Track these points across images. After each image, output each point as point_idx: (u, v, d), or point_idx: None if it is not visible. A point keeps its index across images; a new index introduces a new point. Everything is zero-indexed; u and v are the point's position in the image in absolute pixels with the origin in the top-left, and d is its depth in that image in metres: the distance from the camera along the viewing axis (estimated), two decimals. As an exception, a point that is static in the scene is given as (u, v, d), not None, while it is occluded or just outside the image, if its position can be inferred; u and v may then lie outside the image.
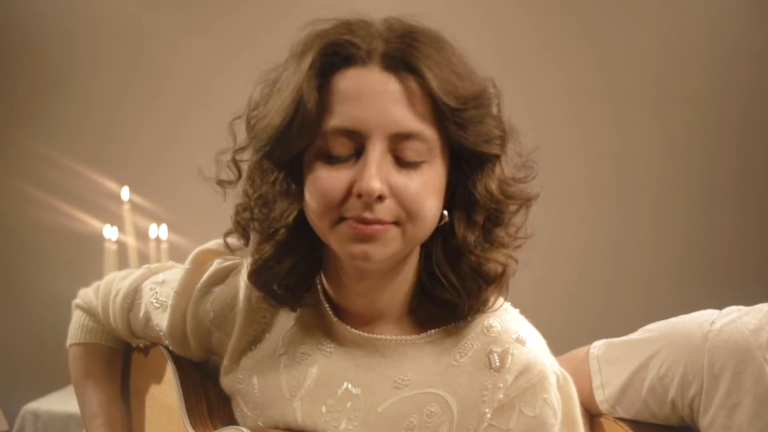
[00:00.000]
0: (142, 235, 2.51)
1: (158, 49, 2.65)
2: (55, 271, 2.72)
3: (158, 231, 2.49)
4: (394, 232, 0.86)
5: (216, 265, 1.06)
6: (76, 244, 2.69)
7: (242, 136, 0.93)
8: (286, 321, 1.01)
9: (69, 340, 1.21)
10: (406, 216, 0.86)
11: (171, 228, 2.52)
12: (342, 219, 0.86)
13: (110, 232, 2.47)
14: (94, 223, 2.64)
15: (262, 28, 2.52)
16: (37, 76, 2.72)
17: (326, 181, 0.86)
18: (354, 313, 0.96)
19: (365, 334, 0.95)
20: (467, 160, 0.89)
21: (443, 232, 0.91)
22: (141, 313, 1.12)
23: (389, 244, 0.86)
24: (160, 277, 1.13)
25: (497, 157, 0.90)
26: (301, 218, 0.91)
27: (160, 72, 2.65)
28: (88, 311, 1.20)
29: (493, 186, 0.89)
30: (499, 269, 0.91)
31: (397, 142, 0.85)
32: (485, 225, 0.90)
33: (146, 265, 1.19)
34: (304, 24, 0.89)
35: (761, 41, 2.29)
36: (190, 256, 1.09)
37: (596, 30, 2.40)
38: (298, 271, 0.94)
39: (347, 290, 0.95)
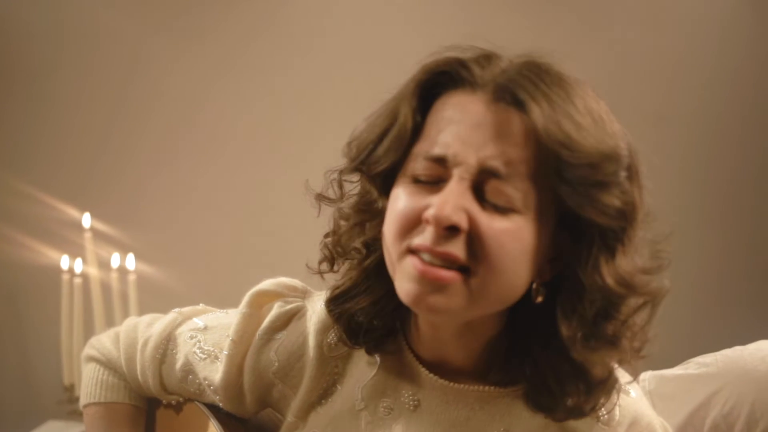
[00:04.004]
0: (105, 266, 2.31)
1: (120, 67, 2.45)
2: (7, 306, 2.48)
3: (123, 261, 2.30)
4: (459, 284, 0.75)
5: (277, 308, 0.95)
6: (31, 277, 2.45)
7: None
8: (361, 371, 0.90)
9: (85, 399, 1.05)
10: (478, 259, 0.74)
11: (138, 257, 2.33)
12: (409, 253, 0.76)
13: (69, 263, 2.27)
14: (51, 253, 2.41)
15: (235, 61, 2.39)
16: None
17: (404, 202, 0.77)
18: (439, 363, 0.87)
19: (453, 384, 0.86)
20: (576, 228, 0.76)
21: (540, 315, 0.80)
22: (177, 365, 0.99)
23: (452, 297, 0.75)
24: (199, 323, 1.00)
25: (613, 233, 0.76)
26: None
27: (121, 87, 2.45)
28: (107, 364, 1.05)
29: (606, 271, 0.75)
30: (606, 374, 0.80)
31: (485, 180, 0.74)
32: (595, 318, 0.77)
33: (175, 309, 1.05)
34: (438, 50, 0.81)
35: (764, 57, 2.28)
36: (246, 299, 0.96)
37: (598, 37, 2.31)
38: (381, 305, 0.85)
39: (424, 337, 0.86)
